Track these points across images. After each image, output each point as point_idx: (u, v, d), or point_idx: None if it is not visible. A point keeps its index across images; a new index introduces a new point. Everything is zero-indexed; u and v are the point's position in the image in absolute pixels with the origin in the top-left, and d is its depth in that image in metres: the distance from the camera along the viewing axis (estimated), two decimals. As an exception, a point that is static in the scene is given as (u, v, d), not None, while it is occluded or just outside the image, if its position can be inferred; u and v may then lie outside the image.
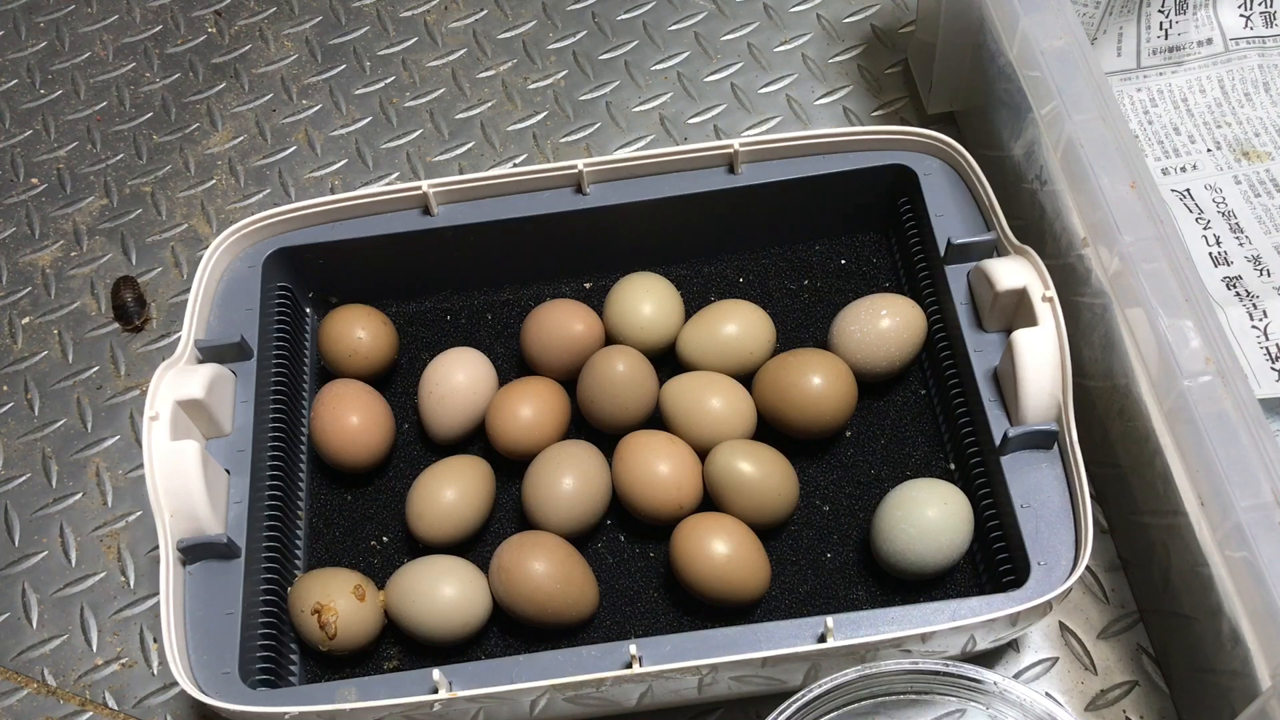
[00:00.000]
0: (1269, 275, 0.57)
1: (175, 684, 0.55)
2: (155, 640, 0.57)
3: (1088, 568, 0.53)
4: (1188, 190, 0.61)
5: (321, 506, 0.56)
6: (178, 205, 0.70)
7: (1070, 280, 0.51)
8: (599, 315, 0.56)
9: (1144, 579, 0.52)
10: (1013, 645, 0.53)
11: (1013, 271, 0.50)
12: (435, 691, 0.45)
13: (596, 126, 0.71)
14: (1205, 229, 0.60)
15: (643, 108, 0.71)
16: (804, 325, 0.59)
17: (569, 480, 0.51)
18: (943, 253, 0.54)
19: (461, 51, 0.75)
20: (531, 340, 0.56)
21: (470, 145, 0.71)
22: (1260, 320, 0.55)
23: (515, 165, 0.70)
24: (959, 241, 0.53)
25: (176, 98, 0.74)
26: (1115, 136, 0.49)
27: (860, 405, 0.55)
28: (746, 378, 0.55)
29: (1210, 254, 0.59)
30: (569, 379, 0.56)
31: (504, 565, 0.50)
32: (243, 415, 0.53)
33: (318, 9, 0.77)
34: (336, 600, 0.50)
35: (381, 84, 0.74)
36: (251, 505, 0.51)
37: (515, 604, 0.50)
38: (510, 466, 0.55)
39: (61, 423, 0.63)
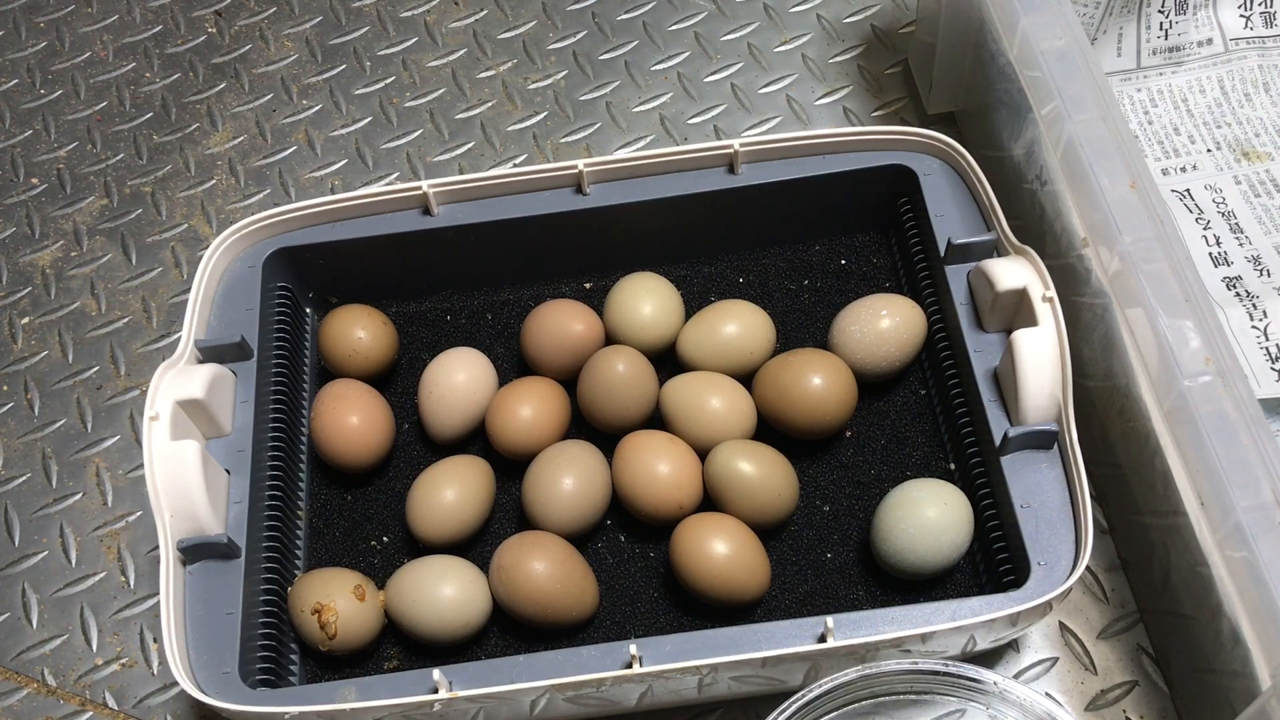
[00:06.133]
0: (1269, 275, 0.57)
1: (175, 684, 0.55)
2: (155, 640, 0.57)
3: (1088, 568, 0.53)
4: (1188, 190, 0.61)
5: (321, 506, 0.56)
6: (178, 205, 0.70)
7: (1070, 280, 0.51)
8: (599, 315, 0.56)
9: (1144, 579, 0.52)
10: (1013, 645, 0.53)
11: (1013, 271, 0.50)
12: (435, 691, 0.45)
13: (596, 126, 0.71)
14: (1205, 229, 0.60)
15: (643, 108, 0.71)
16: (804, 325, 0.59)
17: (569, 480, 0.51)
18: (943, 253, 0.54)
19: (461, 51, 0.75)
20: (531, 340, 0.56)
21: (470, 145, 0.71)
22: (1260, 320, 0.55)
23: (515, 165, 0.70)
24: (959, 241, 0.53)
25: (176, 98, 0.74)
26: (1115, 136, 0.49)
27: (860, 405, 0.55)
28: (746, 378, 0.55)
29: (1210, 254, 0.59)
30: (569, 379, 0.56)
31: (504, 565, 0.50)
32: (243, 415, 0.53)
33: (318, 9, 0.77)
34: (336, 600, 0.50)
35: (381, 84, 0.74)
36: (251, 505, 0.51)
37: (515, 604, 0.50)
38: (510, 466, 0.55)
39: (61, 423, 0.63)
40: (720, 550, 0.49)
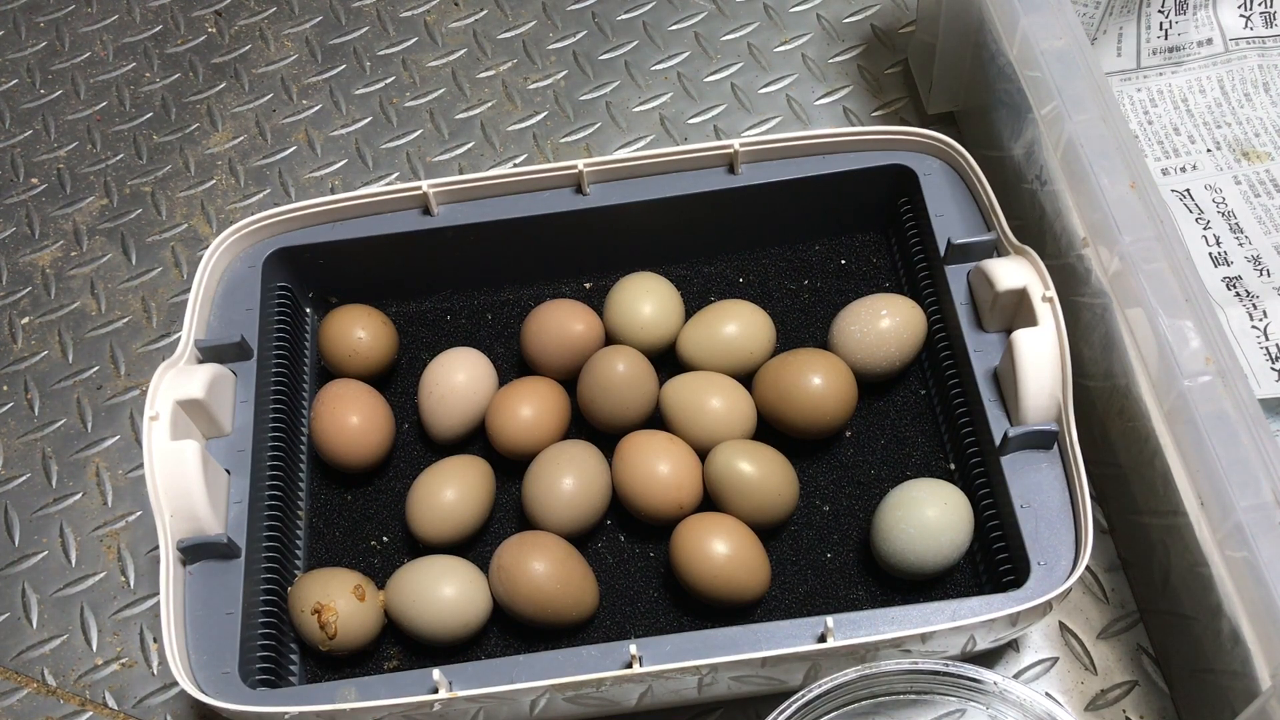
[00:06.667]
0: (1269, 275, 0.57)
1: (175, 684, 0.55)
2: (155, 640, 0.57)
3: (1088, 568, 0.53)
4: (1188, 190, 0.61)
5: (321, 506, 0.56)
6: (178, 205, 0.70)
7: (1070, 280, 0.51)
8: (599, 315, 0.56)
9: (1144, 579, 0.52)
10: (1013, 645, 0.53)
11: (1013, 271, 0.50)
12: (435, 691, 0.45)
13: (596, 126, 0.71)
14: (1205, 229, 0.60)
15: (643, 108, 0.71)
16: (804, 325, 0.59)
17: (569, 480, 0.51)
18: (943, 253, 0.54)
19: (461, 51, 0.75)
20: (531, 340, 0.56)
21: (470, 145, 0.71)
22: (1260, 320, 0.55)
23: (515, 165, 0.70)
24: (959, 241, 0.53)
25: (176, 98, 0.74)
26: (1115, 136, 0.49)
27: (860, 405, 0.55)
28: (746, 378, 0.55)
29: (1210, 254, 0.59)
30: (569, 379, 0.56)
31: (504, 565, 0.50)
32: (243, 415, 0.53)
33: (318, 9, 0.77)
34: (336, 600, 0.50)
35: (381, 84, 0.74)
36: (251, 505, 0.51)
37: (515, 604, 0.50)
38: (510, 466, 0.55)
39: (61, 423, 0.63)
40: (720, 550, 0.49)
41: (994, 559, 0.50)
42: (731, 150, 0.56)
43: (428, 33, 0.76)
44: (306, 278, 0.59)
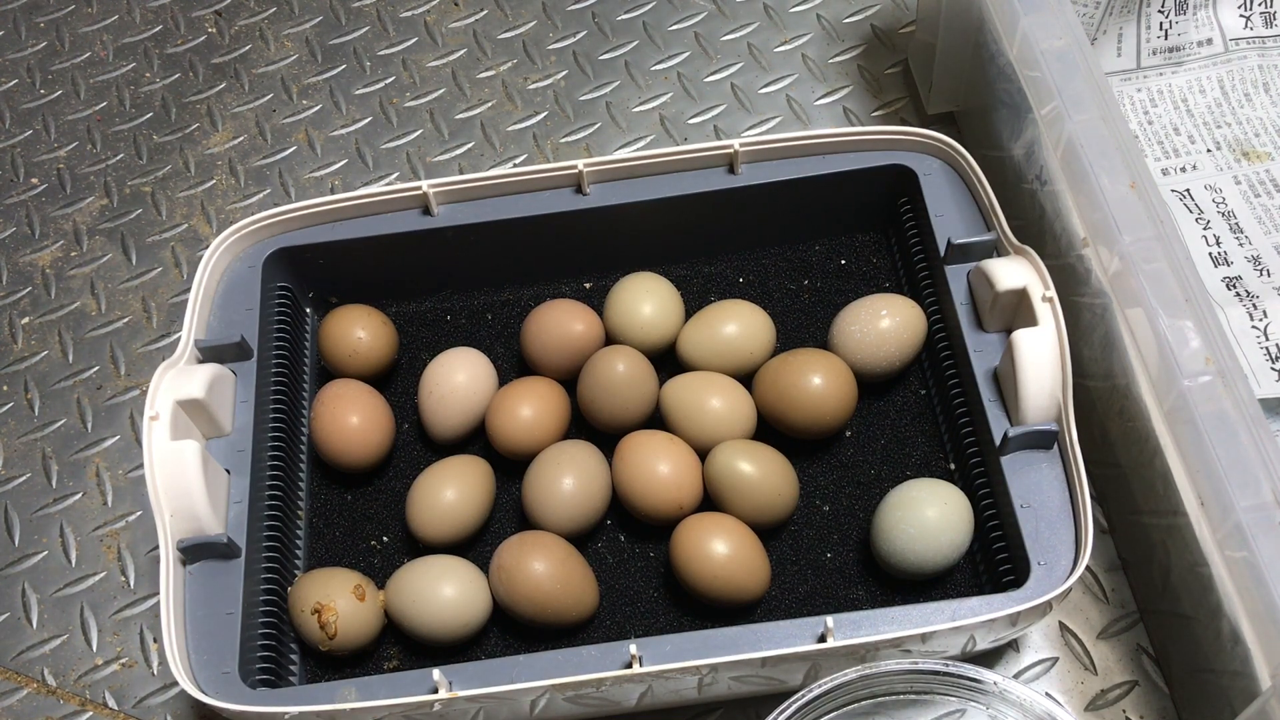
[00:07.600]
0: (1269, 275, 0.57)
1: (175, 684, 0.55)
2: (155, 640, 0.57)
3: (1088, 568, 0.53)
4: (1188, 190, 0.61)
5: (321, 506, 0.56)
6: (178, 205, 0.70)
7: (1070, 280, 0.51)
8: (599, 315, 0.56)
9: (1144, 579, 0.52)
10: (1013, 645, 0.53)
11: (1013, 271, 0.50)
12: (435, 691, 0.45)
13: (596, 126, 0.71)
14: (1205, 229, 0.60)
15: (643, 108, 0.71)
16: (804, 325, 0.59)
17: (569, 480, 0.51)
18: (943, 253, 0.54)
19: (461, 51, 0.75)
20: (531, 340, 0.56)
21: (470, 145, 0.71)
22: (1260, 320, 0.55)
23: (515, 165, 0.70)
24: (959, 241, 0.53)
25: (176, 98, 0.74)
26: (1115, 136, 0.49)
27: (860, 405, 0.55)
28: (746, 378, 0.55)
29: (1210, 254, 0.59)
30: (569, 379, 0.56)
31: (504, 565, 0.50)
32: (243, 415, 0.53)
33: (318, 9, 0.77)
34: (336, 600, 0.50)
35: (381, 84, 0.74)
36: (251, 505, 0.51)
37: (515, 604, 0.50)
38: (510, 466, 0.55)
39: (61, 423, 0.63)
40: (720, 550, 0.49)
41: (994, 559, 0.50)
42: (731, 150, 0.56)
43: (428, 33, 0.76)
44: (306, 278, 0.59)
